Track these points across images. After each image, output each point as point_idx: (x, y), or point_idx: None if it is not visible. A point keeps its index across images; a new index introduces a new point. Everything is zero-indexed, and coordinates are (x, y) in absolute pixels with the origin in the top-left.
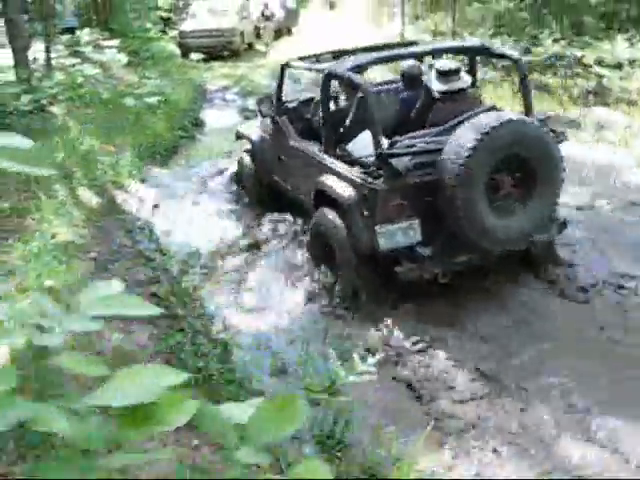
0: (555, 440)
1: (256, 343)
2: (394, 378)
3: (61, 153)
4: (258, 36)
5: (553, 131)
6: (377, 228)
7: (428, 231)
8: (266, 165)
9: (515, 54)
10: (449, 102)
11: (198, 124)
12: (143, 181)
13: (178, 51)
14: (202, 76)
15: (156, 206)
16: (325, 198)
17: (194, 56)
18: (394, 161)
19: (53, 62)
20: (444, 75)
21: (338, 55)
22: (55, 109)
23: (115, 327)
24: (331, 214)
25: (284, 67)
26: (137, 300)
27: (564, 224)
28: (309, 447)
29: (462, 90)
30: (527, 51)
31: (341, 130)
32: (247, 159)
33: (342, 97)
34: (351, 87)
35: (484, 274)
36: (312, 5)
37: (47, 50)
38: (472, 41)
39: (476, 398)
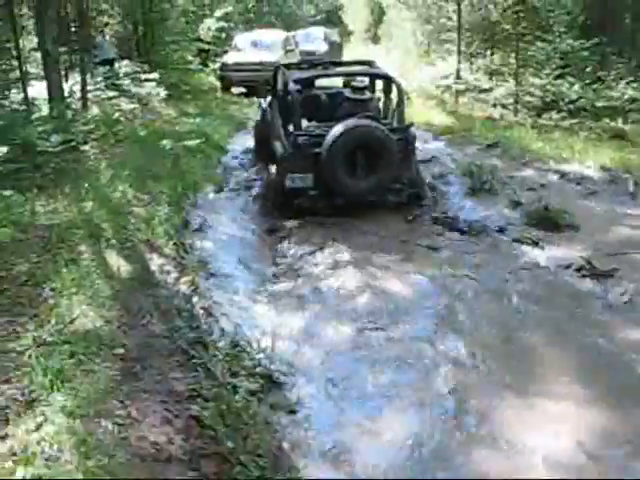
0: None
1: None
2: None
3: (90, 202)
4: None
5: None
6: (287, 175)
7: (317, 181)
8: (263, 133)
9: (395, 77)
10: (352, 106)
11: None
12: (182, 243)
13: (218, 84)
14: (243, 112)
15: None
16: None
17: (235, 90)
18: (299, 138)
19: (90, 95)
20: (354, 89)
21: (312, 65)
22: (88, 147)
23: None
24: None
25: (276, 70)
26: None
27: (418, 197)
28: None
29: (361, 100)
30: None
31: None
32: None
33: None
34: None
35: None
36: (355, 39)
37: (83, 84)
38: (378, 69)
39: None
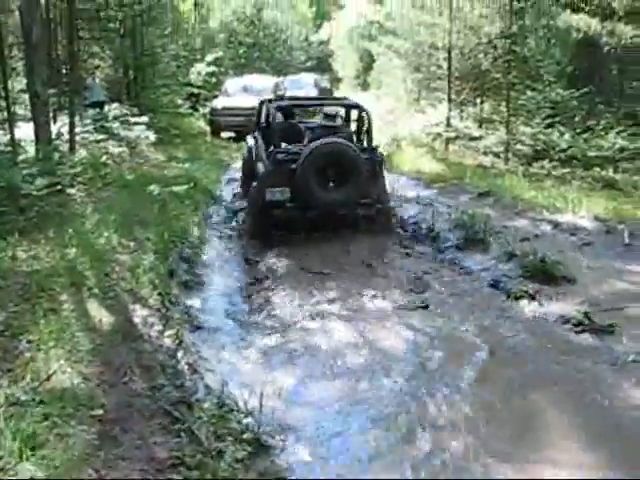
0: None
1: None
2: None
3: (73, 248)
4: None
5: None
6: (267, 189)
7: (293, 195)
8: (249, 166)
9: (365, 107)
10: (325, 130)
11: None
12: (167, 293)
13: (208, 129)
14: (232, 156)
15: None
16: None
17: (224, 135)
18: (277, 155)
19: (78, 138)
20: (326, 116)
21: (292, 99)
22: (74, 190)
23: None
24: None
25: (261, 104)
26: None
27: (379, 211)
28: None
29: (333, 126)
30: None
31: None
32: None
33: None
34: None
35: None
36: (344, 86)
37: (71, 126)
38: (349, 100)
39: None
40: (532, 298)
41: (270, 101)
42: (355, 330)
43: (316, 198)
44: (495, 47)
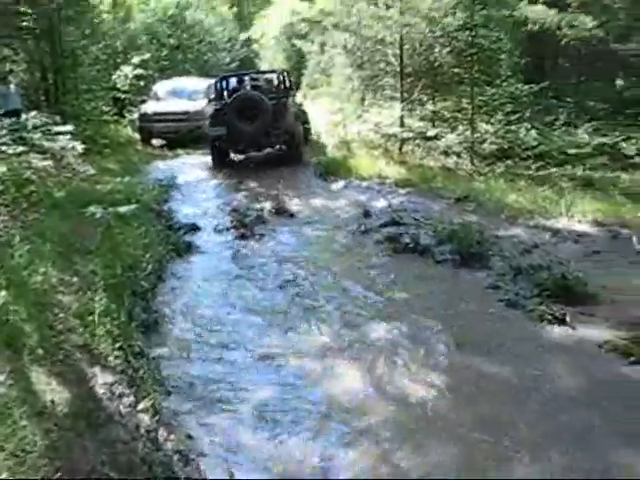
0: None
1: None
2: None
3: (3, 291)
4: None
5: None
6: (210, 128)
7: (227, 131)
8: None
9: (282, 69)
10: (250, 86)
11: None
12: (129, 346)
13: (137, 136)
14: (170, 165)
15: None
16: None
17: (156, 142)
18: (215, 107)
19: None
20: (254, 79)
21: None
22: None
23: None
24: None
25: (222, 79)
26: None
27: (288, 140)
28: None
29: (257, 86)
30: None
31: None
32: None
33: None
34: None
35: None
36: None
37: None
38: (273, 70)
39: None
40: (561, 321)
41: (225, 77)
42: None
43: (239, 130)
44: (456, 39)
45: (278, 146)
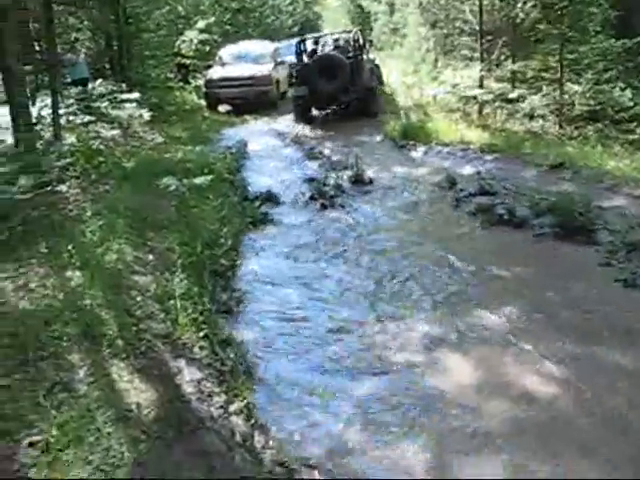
0: None
1: None
2: None
3: (76, 271)
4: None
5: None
6: (294, 88)
7: (309, 91)
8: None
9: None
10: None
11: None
12: (214, 334)
13: (203, 102)
14: (241, 133)
15: None
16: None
17: (222, 108)
18: (297, 68)
19: (62, 120)
20: (335, 40)
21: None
22: (65, 187)
23: None
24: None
25: (301, 41)
26: None
27: (367, 94)
28: None
29: (337, 46)
30: None
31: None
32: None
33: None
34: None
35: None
36: None
37: (54, 107)
38: (348, 30)
39: None
40: None
41: (303, 40)
42: None
43: (320, 89)
44: None
45: (357, 101)
